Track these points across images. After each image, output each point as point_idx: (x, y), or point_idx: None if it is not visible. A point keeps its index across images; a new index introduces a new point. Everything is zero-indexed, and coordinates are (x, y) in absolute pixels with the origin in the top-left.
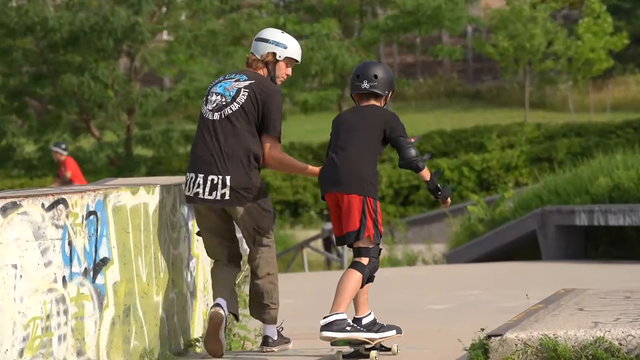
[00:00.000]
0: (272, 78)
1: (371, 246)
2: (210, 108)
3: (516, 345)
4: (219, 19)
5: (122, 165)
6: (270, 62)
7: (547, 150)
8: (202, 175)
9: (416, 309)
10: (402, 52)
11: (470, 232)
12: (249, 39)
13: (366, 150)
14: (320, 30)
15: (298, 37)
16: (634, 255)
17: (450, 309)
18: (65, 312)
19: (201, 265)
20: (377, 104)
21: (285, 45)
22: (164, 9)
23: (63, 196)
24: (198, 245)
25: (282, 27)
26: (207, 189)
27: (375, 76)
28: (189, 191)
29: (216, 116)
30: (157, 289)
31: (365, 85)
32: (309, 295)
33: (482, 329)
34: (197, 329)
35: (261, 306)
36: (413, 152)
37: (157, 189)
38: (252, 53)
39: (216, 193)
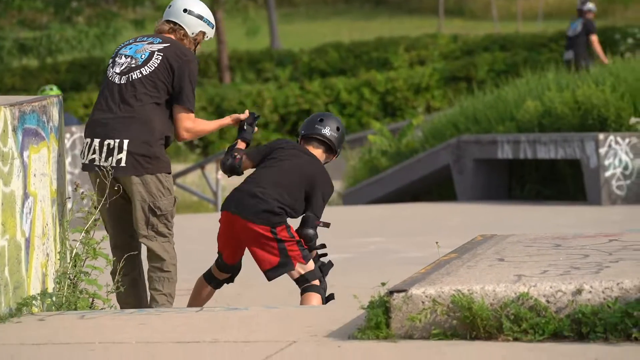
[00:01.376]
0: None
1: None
2: (117, 71)
3: (423, 302)
4: None
5: None
6: (199, 42)
7: (464, 67)
8: (98, 140)
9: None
10: None
11: (371, 167)
12: None
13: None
14: None
15: None
16: (567, 194)
17: (345, 259)
18: None
19: (39, 206)
20: (322, 158)
21: (213, 24)
22: None
23: None
24: (35, 182)
25: None
26: (103, 155)
27: (338, 128)
28: (84, 158)
29: (123, 80)
30: None
31: (327, 132)
32: (179, 244)
33: (383, 284)
34: (34, 284)
35: (144, 294)
36: (312, 232)
37: None
38: (174, 22)
39: (112, 159)
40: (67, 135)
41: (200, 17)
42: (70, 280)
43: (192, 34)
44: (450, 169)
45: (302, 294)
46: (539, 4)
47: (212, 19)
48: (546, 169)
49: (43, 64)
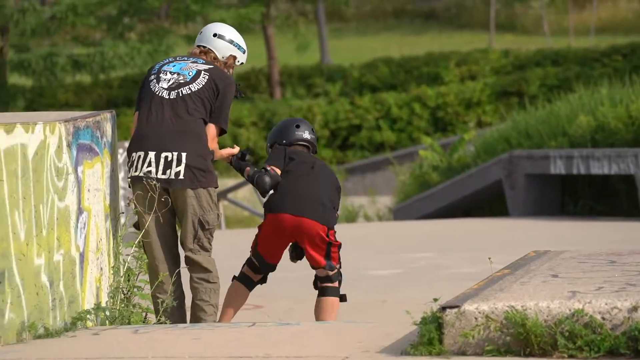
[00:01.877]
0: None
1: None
2: (164, 86)
3: (476, 319)
4: None
5: None
6: (230, 65)
7: (516, 82)
8: (153, 153)
9: (356, 276)
10: None
11: (421, 182)
12: None
13: None
14: None
15: None
16: (621, 210)
17: (397, 275)
18: None
19: (93, 221)
20: None
21: (244, 49)
22: None
23: None
24: (89, 197)
25: None
26: (160, 167)
27: (313, 130)
28: (137, 171)
29: (173, 95)
30: (39, 250)
31: (307, 136)
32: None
33: (435, 300)
34: (89, 299)
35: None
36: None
37: (39, 127)
38: (206, 47)
39: (170, 172)
40: (120, 151)
41: (230, 42)
42: (124, 294)
43: (223, 57)
44: (502, 184)
45: (321, 294)
46: (591, 18)
47: (243, 44)
48: (599, 185)
49: (96, 80)
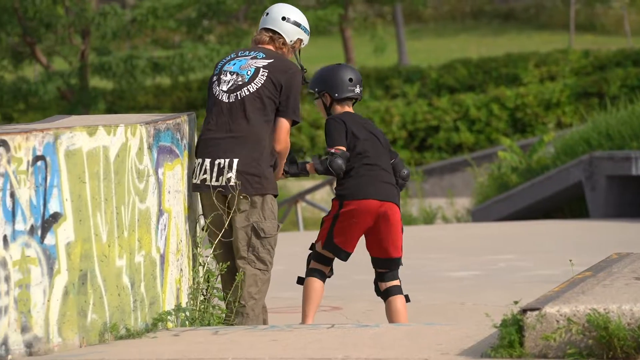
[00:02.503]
0: (301, 65)
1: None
2: (224, 89)
3: (558, 321)
4: None
5: (75, 100)
6: (296, 49)
7: (596, 83)
8: (209, 160)
9: (435, 278)
10: None
11: (500, 184)
12: None
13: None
14: None
15: None
16: None
17: (476, 277)
18: (7, 279)
19: (174, 222)
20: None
21: (309, 31)
22: None
23: (3, 137)
24: (169, 199)
25: None
26: (214, 175)
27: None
28: (195, 178)
29: (232, 98)
30: (120, 251)
31: (358, 90)
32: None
33: (516, 302)
34: (169, 300)
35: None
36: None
37: (120, 130)
38: (273, 31)
39: (222, 178)
40: None
41: (298, 25)
42: (203, 295)
43: (291, 41)
44: (582, 186)
45: (390, 295)
46: None
47: (307, 26)
48: None
49: (175, 83)
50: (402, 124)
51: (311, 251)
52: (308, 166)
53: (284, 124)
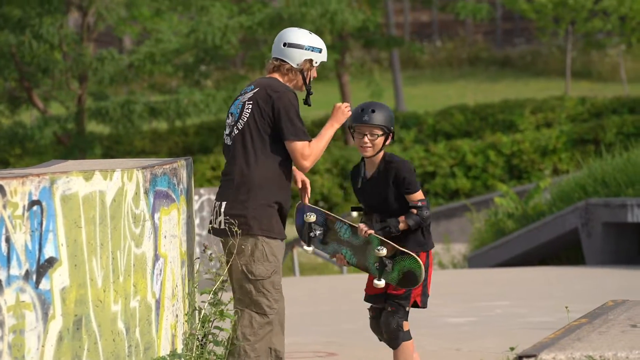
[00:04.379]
0: (308, 87)
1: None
2: (226, 132)
3: None
4: None
5: (72, 145)
6: (307, 69)
7: (592, 130)
8: (217, 203)
9: (431, 323)
10: (415, 8)
11: (496, 230)
12: None
13: None
14: None
15: None
16: None
17: (472, 323)
18: (1, 324)
19: (169, 267)
20: None
21: (320, 48)
22: None
23: None
24: (165, 244)
25: None
26: (214, 218)
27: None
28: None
29: (229, 140)
30: (115, 296)
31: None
32: (301, 305)
33: (512, 349)
34: (164, 345)
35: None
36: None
37: (116, 174)
38: (280, 60)
39: (217, 221)
40: (196, 198)
41: (300, 47)
42: (199, 341)
43: (297, 65)
44: (578, 232)
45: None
46: None
47: (318, 44)
48: None
49: (172, 127)
50: None
51: (373, 311)
52: (401, 225)
53: (291, 147)
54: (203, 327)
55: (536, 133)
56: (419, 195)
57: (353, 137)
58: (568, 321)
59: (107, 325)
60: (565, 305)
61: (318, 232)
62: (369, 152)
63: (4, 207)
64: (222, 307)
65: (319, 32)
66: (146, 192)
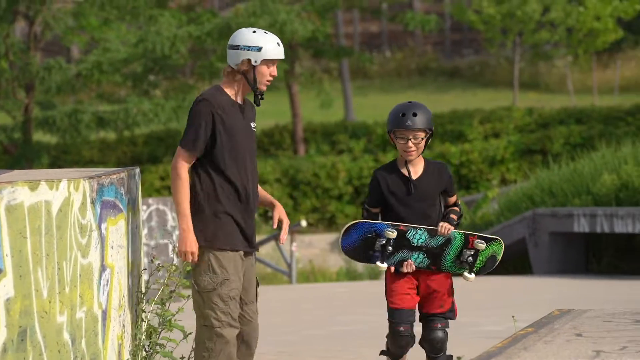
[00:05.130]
0: (254, 88)
1: None
2: None
3: None
4: None
5: (18, 154)
6: (248, 70)
7: (540, 140)
8: None
9: (379, 333)
10: (365, 19)
11: None
12: (176, 1)
13: None
14: None
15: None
16: None
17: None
18: None
19: (116, 278)
20: None
21: (258, 47)
22: None
23: None
24: (112, 254)
25: None
26: None
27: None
28: None
29: None
30: (61, 307)
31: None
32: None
33: (459, 358)
34: (110, 356)
35: None
36: None
37: (63, 184)
38: (227, 64)
39: None
40: (144, 207)
41: (236, 48)
42: (146, 352)
43: (236, 66)
44: (525, 242)
45: None
46: (614, 77)
47: (253, 42)
48: (624, 243)
49: (120, 137)
50: (348, 179)
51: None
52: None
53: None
54: (150, 337)
55: (484, 143)
56: (455, 197)
57: (393, 142)
58: (515, 330)
59: (52, 336)
60: (512, 315)
61: (390, 248)
62: (414, 155)
63: None
64: (170, 317)
65: None
66: (93, 202)
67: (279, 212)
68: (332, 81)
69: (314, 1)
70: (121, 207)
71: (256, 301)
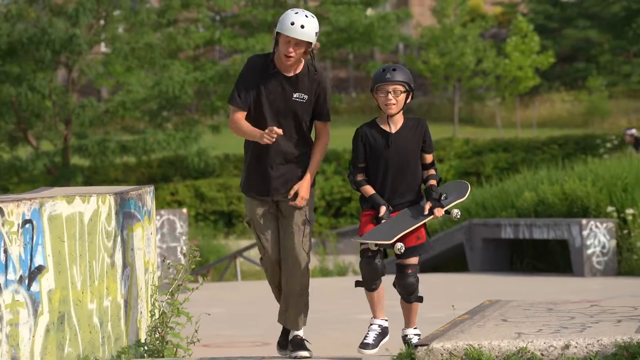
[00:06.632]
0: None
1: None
2: None
3: (442, 354)
4: (156, 33)
5: (58, 175)
6: (277, 44)
7: (474, 165)
8: None
9: (346, 319)
10: (335, 67)
11: None
12: (185, 52)
13: None
14: (255, 45)
15: (233, 51)
16: (557, 268)
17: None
18: (0, 319)
19: (135, 274)
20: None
21: (283, 23)
22: (102, 22)
23: None
24: (131, 255)
25: (217, 42)
26: None
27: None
28: None
29: None
30: (92, 297)
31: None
32: (242, 304)
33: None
34: (131, 337)
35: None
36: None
37: (93, 199)
38: None
39: None
40: (157, 217)
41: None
42: (159, 333)
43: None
44: (463, 246)
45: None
46: (534, 115)
47: (282, 22)
48: (540, 247)
49: (139, 161)
50: (321, 195)
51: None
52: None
53: None
54: (162, 322)
55: None
56: (432, 157)
57: (376, 101)
58: (454, 317)
59: (85, 320)
60: (451, 304)
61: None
62: (394, 109)
63: (3, 224)
64: (178, 305)
65: None
66: (117, 213)
67: (298, 185)
68: None
69: None
70: (139, 217)
71: None
